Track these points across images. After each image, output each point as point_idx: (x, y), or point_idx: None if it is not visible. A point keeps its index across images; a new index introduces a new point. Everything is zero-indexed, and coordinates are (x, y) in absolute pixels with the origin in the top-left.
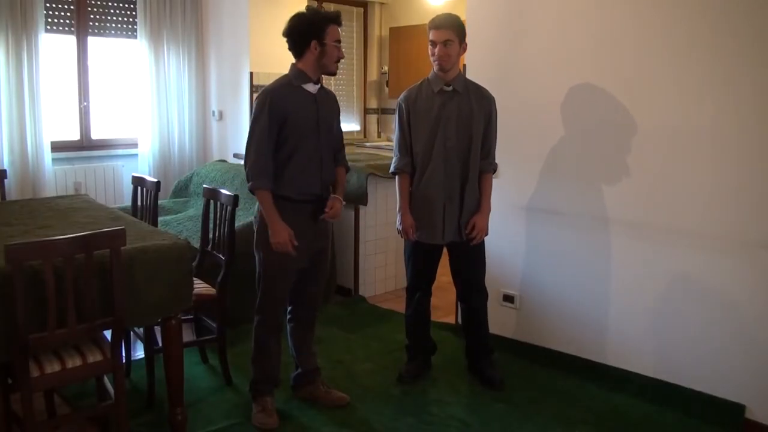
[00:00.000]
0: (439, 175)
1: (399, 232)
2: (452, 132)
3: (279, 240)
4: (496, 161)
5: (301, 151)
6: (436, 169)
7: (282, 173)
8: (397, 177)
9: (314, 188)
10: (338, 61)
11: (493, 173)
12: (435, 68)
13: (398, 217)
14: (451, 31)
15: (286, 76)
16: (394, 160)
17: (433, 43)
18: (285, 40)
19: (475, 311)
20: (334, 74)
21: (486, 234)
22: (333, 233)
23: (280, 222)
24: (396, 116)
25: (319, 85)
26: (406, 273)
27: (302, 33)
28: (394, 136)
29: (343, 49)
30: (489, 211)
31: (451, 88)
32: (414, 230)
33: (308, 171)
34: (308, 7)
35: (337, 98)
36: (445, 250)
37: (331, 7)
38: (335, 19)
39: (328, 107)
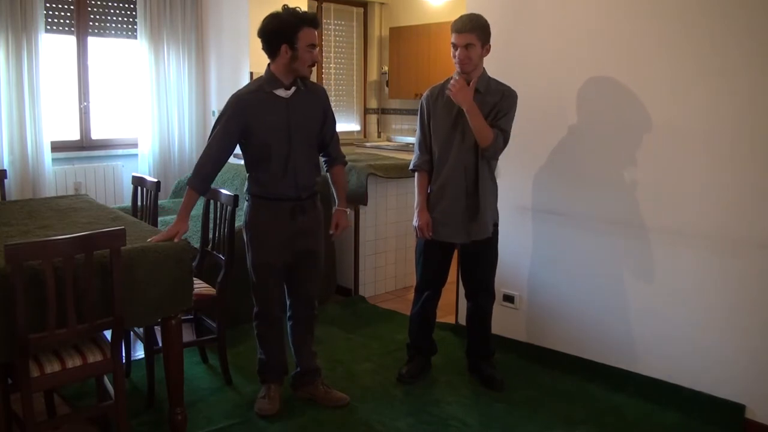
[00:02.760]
0: (455, 176)
1: (415, 229)
2: (469, 132)
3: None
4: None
5: (271, 157)
6: (451, 169)
7: (254, 175)
8: (416, 174)
9: (288, 191)
10: (313, 65)
11: (488, 146)
12: (457, 69)
13: (415, 215)
14: (473, 34)
15: (260, 78)
16: (413, 157)
17: (455, 46)
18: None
19: (481, 310)
20: (307, 78)
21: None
22: (324, 235)
23: (182, 219)
24: (418, 113)
25: (294, 89)
26: (416, 271)
27: (274, 35)
28: (416, 132)
29: (342, 49)
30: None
31: None
32: (430, 228)
33: (279, 176)
34: (284, 7)
35: (338, 98)
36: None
37: (330, 8)
38: (310, 22)
39: (304, 110)
